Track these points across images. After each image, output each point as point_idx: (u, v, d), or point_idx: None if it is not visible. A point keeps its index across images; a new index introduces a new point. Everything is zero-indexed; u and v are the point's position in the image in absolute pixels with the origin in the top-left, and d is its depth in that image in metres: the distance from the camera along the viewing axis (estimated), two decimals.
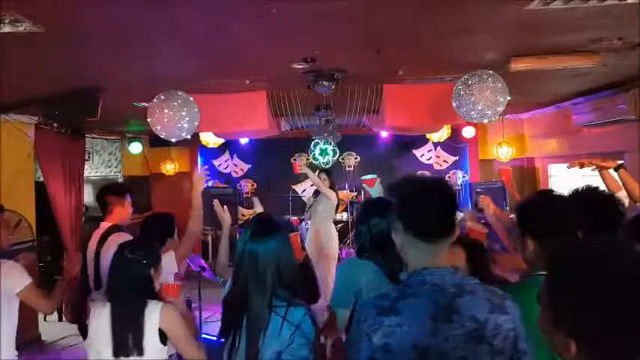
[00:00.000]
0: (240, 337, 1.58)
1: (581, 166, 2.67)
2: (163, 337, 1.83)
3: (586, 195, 1.86)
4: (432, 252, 1.19)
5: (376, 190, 5.75)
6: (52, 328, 4.95)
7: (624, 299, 0.71)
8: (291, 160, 7.23)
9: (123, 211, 2.81)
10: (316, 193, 5.02)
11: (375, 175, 5.91)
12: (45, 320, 5.03)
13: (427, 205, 1.18)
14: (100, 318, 1.82)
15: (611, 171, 2.64)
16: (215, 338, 4.10)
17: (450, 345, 1.12)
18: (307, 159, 7.42)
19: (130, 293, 1.84)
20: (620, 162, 2.66)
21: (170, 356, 2.03)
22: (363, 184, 6.12)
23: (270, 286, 1.57)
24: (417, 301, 1.15)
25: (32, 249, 4.64)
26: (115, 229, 2.69)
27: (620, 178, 2.59)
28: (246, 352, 1.55)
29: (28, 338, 4.47)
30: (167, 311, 1.83)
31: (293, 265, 1.68)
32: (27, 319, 4.45)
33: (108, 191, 2.85)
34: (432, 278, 1.17)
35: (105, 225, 2.73)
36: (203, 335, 4.16)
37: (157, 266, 1.96)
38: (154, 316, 1.80)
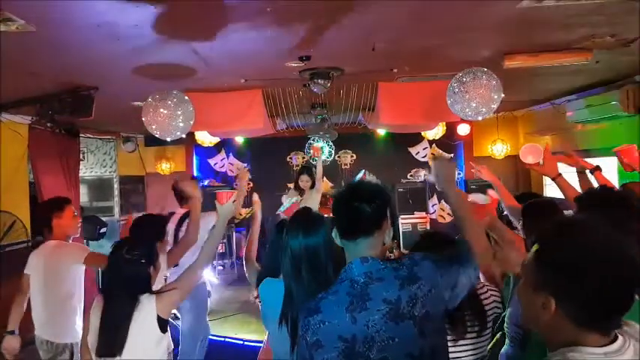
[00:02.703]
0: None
1: (571, 163, 2.69)
2: (163, 325, 1.82)
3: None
4: (356, 249, 1.32)
5: None
6: None
7: (598, 267, 0.85)
8: (308, 145, 7.07)
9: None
10: (299, 189, 4.90)
11: (363, 171, 5.86)
12: None
13: (341, 208, 1.35)
14: (95, 315, 1.82)
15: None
16: (215, 337, 4.12)
17: (373, 330, 1.22)
18: (303, 157, 7.42)
19: (126, 292, 1.81)
20: (597, 165, 2.68)
21: (169, 353, 2.04)
22: None
23: (332, 277, 1.55)
24: (335, 298, 1.29)
25: (27, 250, 4.62)
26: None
27: (595, 180, 2.61)
28: None
29: (25, 339, 4.45)
30: (164, 297, 1.84)
31: (339, 251, 1.68)
32: (24, 320, 4.44)
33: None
34: (347, 274, 1.31)
35: (181, 211, 3.23)
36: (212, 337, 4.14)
37: (156, 264, 1.95)
38: (148, 309, 1.79)
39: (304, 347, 1.28)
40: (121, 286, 1.82)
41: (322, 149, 4.86)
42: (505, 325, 1.88)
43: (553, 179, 2.46)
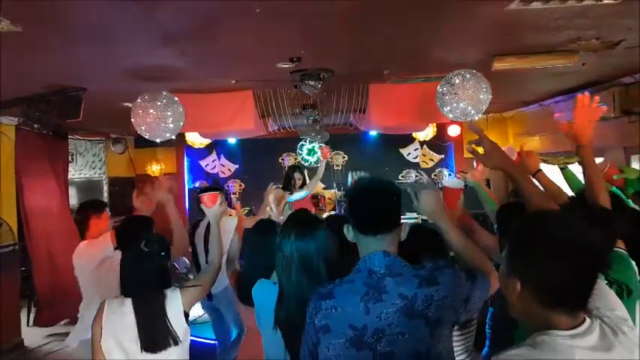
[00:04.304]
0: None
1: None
2: (187, 318, 1.83)
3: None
4: (374, 245, 1.31)
5: None
6: (36, 332, 4.86)
7: (555, 255, 0.92)
8: (317, 148, 7.02)
9: None
10: (288, 189, 4.89)
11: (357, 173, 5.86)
12: (28, 325, 4.94)
13: (364, 204, 1.33)
14: (121, 315, 1.76)
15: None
16: (204, 340, 4.10)
17: (384, 322, 1.22)
18: (295, 159, 7.41)
19: (151, 286, 1.79)
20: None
21: None
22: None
23: (327, 282, 1.52)
24: (350, 286, 1.29)
25: (14, 253, 4.55)
26: None
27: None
28: None
29: (10, 344, 4.39)
30: (187, 292, 1.84)
31: (335, 254, 1.66)
32: (8, 324, 4.39)
33: None
34: (365, 265, 1.30)
35: None
36: (191, 338, 4.14)
37: (170, 257, 1.95)
38: (175, 303, 1.79)
39: (311, 330, 1.28)
40: (148, 281, 1.79)
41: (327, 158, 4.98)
42: (487, 326, 1.90)
43: (533, 175, 2.48)
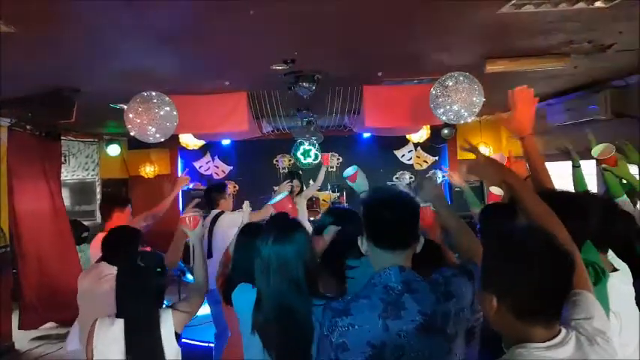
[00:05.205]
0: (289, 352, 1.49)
1: None
2: (177, 336, 1.81)
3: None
4: (391, 259, 1.27)
5: (360, 184, 5.71)
6: (24, 335, 4.81)
7: (526, 268, 0.94)
8: (314, 152, 7.08)
9: None
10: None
11: (355, 168, 5.85)
12: (19, 329, 4.89)
13: (385, 218, 1.27)
14: (111, 333, 1.71)
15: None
16: (198, 343, 4.07)
17: (404, 340, 1.19)
18: (290, 160, 7.41)
19: (145, 303, 1.74)
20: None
21: None
22: (348, 181, 6.10)
23: (306, 287, 1.50)
24: (367, 302, 1.24)
25: (6, 255, 4.51)
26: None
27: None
28: None
29: (0, 347, 4.34)
30: (177, 315, 1.81)
31: (316, 260, 1.63)
32: (0, 327, 4.34)
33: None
34: (381, 280, 1.26)
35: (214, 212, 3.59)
36: (184, 340, 4.11)
37: (166, 273, 1.90)
38: (168, 324, 1.76)
39: (328, 347, 1.24)
40: (143, 299, 1.74)
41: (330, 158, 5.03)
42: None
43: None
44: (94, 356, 1.71)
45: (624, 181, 2.78)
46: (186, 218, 2.14)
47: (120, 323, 1.73)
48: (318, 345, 1.31)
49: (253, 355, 1.61)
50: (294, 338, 1.47)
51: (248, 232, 2.05)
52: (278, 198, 2.70)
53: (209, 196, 3.76)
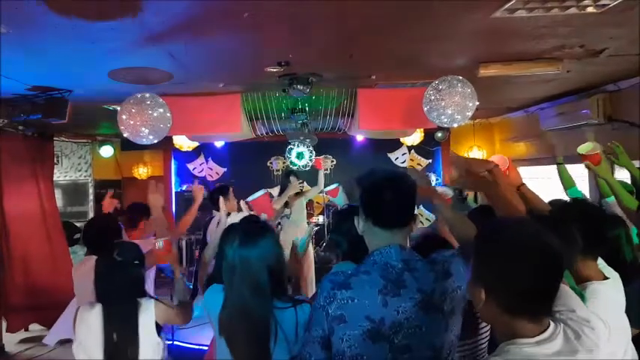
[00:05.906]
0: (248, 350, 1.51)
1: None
2: (159, 329, 1.84)
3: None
4: (388, 238, 1.30)
5: (340, 199, 5.82)
6: (14, 339, 4.75)
7: (516, 263, 0.94)
8: (289, 150, 7.04)
9: None
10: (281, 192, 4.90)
11: (337, 184, 5.97)
12: (6, 332, 4.83)
13: (384, 197, 1.30)
14: (90, 320, 1.78)
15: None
16: (189, 345, 4.05)
17: (403, 316, 1.23)
18: (283, 162, 7.40)
19: (123, 295, 1.81)
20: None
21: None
22: (328, 196, 6.17)
23: (269, 288, 1.52)
24: (368, 277, 1.27)
25: None
26: None
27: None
28: None
29: None
30: (160, 306, 1.86)
31: (283, 262, 1.64)
32: None
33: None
34: (381, 257, 1.29)
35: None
36: (176, 343, 4.09)
37: (145, 264, 1.95)
38: (149, 313, 1.80)
39: (322, 318, 1.25)
40: (121, 290, 1.81)
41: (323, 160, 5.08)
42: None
43: (517, 189, 2.49)
44: (74, 340, 1.79)
45: (627, 182, 2.84)
46: (156, 243, 2.21)
47: (99, 309, 1.80)
48: (313, 314, 1.32)
49: (222, 355, 1.61)
50: (253, 341, 1.49)
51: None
52: (256, 195, 2.72)
53: (213, 198, 3.82)
